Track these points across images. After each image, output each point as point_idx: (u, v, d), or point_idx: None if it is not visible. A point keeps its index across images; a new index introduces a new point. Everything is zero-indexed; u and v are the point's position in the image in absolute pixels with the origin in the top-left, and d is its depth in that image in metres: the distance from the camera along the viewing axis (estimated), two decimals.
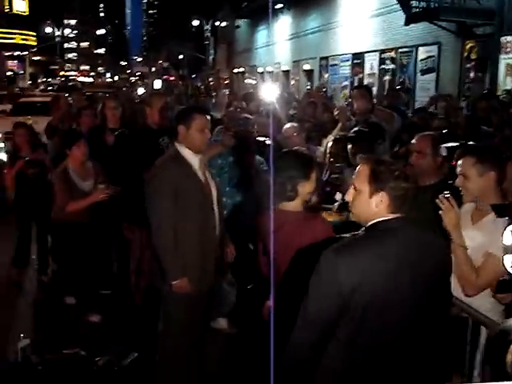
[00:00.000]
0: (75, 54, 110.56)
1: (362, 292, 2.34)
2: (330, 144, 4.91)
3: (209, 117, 4.32)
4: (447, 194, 3.40)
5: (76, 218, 5.66)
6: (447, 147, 4.21)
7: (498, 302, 3.24)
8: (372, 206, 2.50)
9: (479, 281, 3.24)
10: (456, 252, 3.32)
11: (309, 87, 20.20)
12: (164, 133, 5.67)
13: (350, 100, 7.21)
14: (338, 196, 4.86)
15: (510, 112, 7.68)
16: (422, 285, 2.45)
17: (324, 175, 5.04)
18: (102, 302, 6.01)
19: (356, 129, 5.00)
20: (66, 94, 11.16)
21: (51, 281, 6.68)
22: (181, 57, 64.80)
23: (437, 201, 3.40)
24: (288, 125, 5.91)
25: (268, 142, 5.23)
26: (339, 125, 6.08)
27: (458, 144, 4.32)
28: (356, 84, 19.41)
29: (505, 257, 1.82)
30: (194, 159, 4.20)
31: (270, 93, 8.35)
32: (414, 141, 4.29)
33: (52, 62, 72.80)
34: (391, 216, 2.48)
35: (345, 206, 3.95)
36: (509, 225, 1.84)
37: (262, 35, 32.10)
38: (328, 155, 5.00)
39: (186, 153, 4.19)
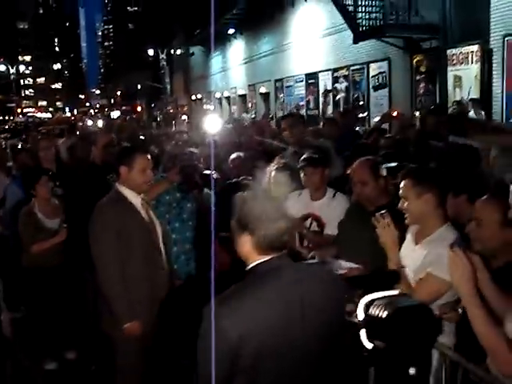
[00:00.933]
0: (32, 91, 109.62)
1: (250, 342, 2.24)
2: (273, 173, 4.89)
3: (149, 156, 4.27)
4: (383, 212, 3.41)
5: (46, 261, 5.55)
6: (387, 167, 4.19)
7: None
8: (241, 246, 2.41)
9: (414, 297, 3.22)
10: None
11: (254, 116, 20.15)
12: (111, 169, 5.61)
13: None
14: None
15: (459, 124, 7.76)
16: (314, 322, 2.35)
17: None
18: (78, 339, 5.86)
19: (306, 156, 4.94)
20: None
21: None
22: (139, 87, 64.73)
23: (373, 219, 3.41)
24: (234, 155, 5.89)
25: (214, 175, 5.19)
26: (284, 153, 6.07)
27: (397, 164, 4.31)
28: (312, 104, 19.61)
29: (360, 332, 1.79)
30: (135, 199, 4.14)
31: (215, 123, 8.24)
32: (352, 169, 4.26)
33: (9, 100, 72.06)
34: (267, 257, 2.37)
35: None
36: (362, 296, 1.81)
37: (216, 61, 32.22)
38: (272, 184, 4.94)
39: (128, 193, 4.12)
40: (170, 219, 4.93)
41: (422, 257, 3.34)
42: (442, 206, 3.44)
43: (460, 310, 3.00)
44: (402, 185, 3.50)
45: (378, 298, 1.75)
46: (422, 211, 3.38)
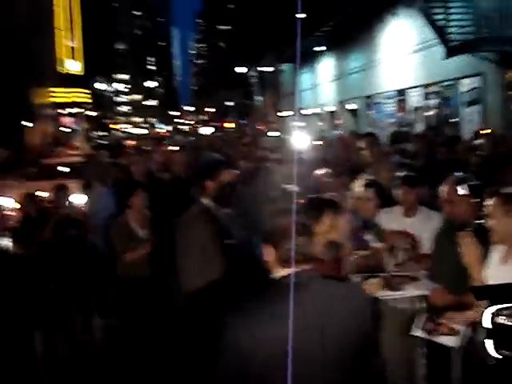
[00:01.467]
0: (126, 107, 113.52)
1: (260, 355, 2.24)
2: (360, 189, 4.93)
3: (235, 170, 4.38)
4: (468, 230, 3.36)
5: (137, 271, 5.72)
6: (469, 185, 4.10)
7: None
8: (265, 257, 2.40)
9: None
10: None
11: (342, 132, 20.12)
12: (193, 183, 5.77)
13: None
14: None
15: None
16: (335, 341, 2.31)
17: (354, 220, 4.98)
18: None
19: (404, 174, 5.00)
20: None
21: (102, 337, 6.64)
22: (230, 103, 65.87)
23: (455, 238, 3.36)
24: (318, 170, 5.91)
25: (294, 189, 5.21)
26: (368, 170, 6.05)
27: (479, 182, 4.21)
28: (401, 121, 19.30)
29: (485, 341, 1.75)
30: (220, 213, 4.24)
31: (303, 139, 8.28)
32: (442, 189, 4.21)
33: (104, 117, 74.95)
34: (290, 271, 2.32)
35: None
36: (488, 307, 1.77)
37: (305, 78, 32.41)
38: (359, 200, 4.97)
39: (214, 208, 4.22)
40: None
41: (510, 277, 3.24)
42: None
43: None
44: (490, 203, 3.43)
45: (504, 309, 1.74)
46: (509, 230, 3.29)
